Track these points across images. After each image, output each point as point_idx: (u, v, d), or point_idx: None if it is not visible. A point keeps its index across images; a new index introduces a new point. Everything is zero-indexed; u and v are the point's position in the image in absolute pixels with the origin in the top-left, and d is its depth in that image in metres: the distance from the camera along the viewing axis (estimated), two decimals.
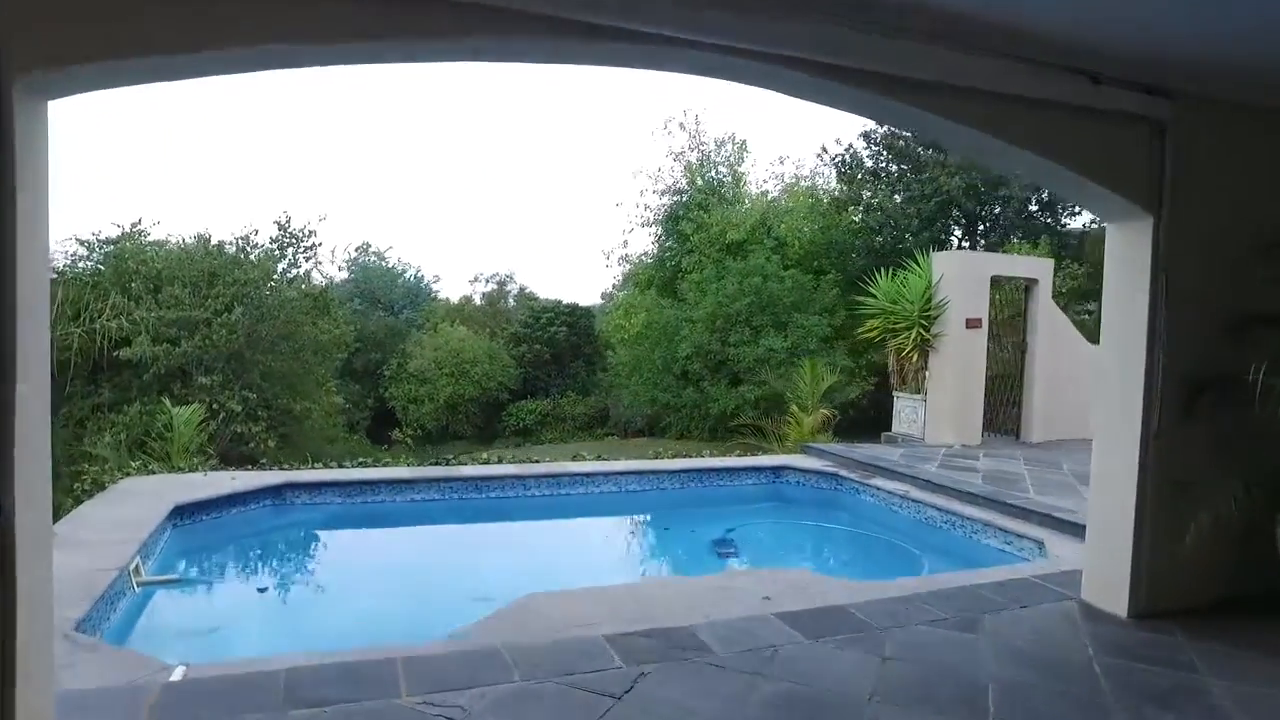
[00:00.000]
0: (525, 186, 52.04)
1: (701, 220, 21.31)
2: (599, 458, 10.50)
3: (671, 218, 22.69)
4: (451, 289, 43.67)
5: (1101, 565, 4.73)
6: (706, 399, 18.46)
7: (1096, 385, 5.14)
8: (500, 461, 10.12)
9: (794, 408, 12.33)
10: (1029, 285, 11.56)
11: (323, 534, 7.99)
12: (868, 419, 15.35)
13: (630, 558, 8.24)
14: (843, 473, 9.27)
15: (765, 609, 4.64)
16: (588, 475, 9.09)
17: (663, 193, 23.27)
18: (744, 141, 23.35)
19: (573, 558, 7.92)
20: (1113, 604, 4.61)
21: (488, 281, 31.91)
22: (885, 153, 21.33)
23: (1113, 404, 4.68)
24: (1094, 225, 17.97)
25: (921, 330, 11.30)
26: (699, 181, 22.83)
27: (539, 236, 52.78)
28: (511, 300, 31.62)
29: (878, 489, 8.63)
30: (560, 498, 8.73)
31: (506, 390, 24.56)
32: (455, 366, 23.82)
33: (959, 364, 11.11)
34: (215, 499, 7.21)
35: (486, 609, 4.66)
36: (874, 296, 12.28)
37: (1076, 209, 18.97)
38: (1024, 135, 4.17)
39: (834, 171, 22.58)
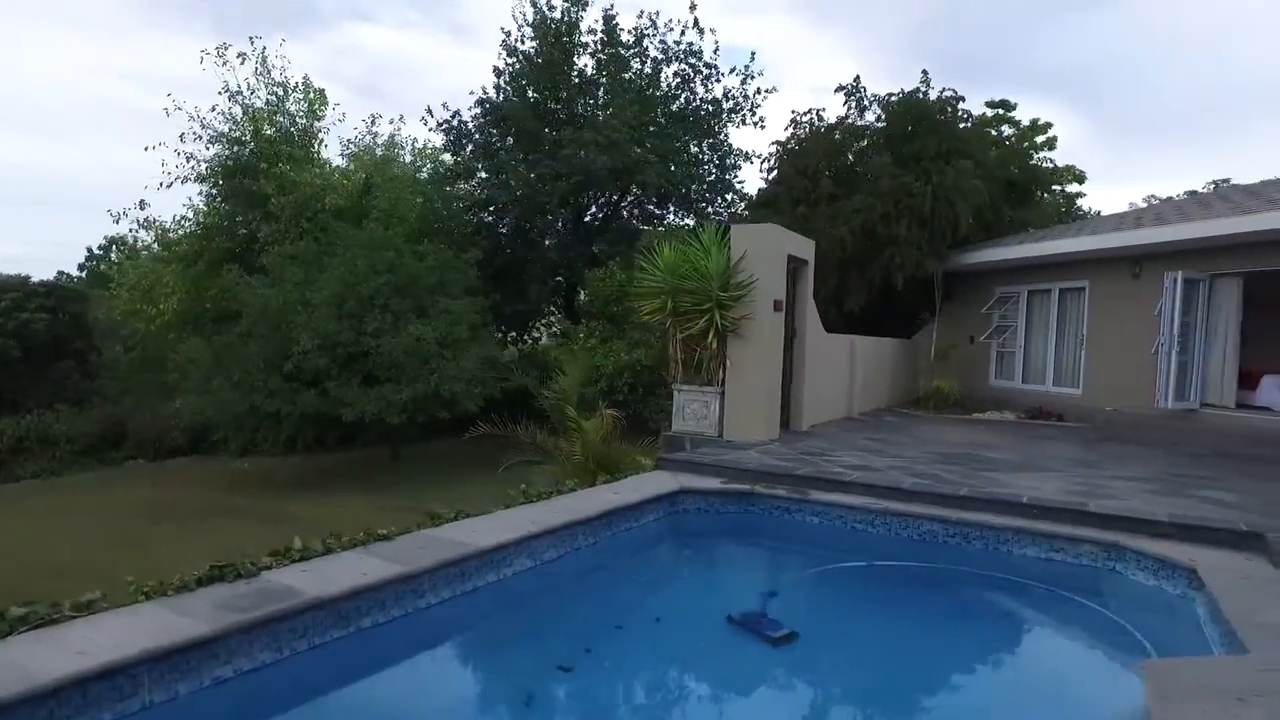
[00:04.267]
0: None
1: (285, 180, 16.41)
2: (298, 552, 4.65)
3: (231, 172, 17.06)
4: None
5: None
6: (333, 404, 14.19)
7: None
8: None
9: (569, 409, 9.70)
10: (798, 266, 10.98)
11: None
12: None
13: None
14: (759, 489, 7.30)
15: None
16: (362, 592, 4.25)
17: (213, 140, 17.38)
18: (321, 91, 18.83)
19: None
20: None
21: None
22: (500, 126, 19.17)
23: None
24: (746, 212, 18.67)
25: (721, 312, 9.83)
26: (267, 131, 17.63)
27: None
28: None
29: (828, 506, 6.93)
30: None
31: None
32: None
33: (765, 350, 9.96)
34: None
35: None
36: (654, 270, 10.39)
37: (727, 195, 19.58)
38: None
39: (443, 139, 19.61)
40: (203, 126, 17.54)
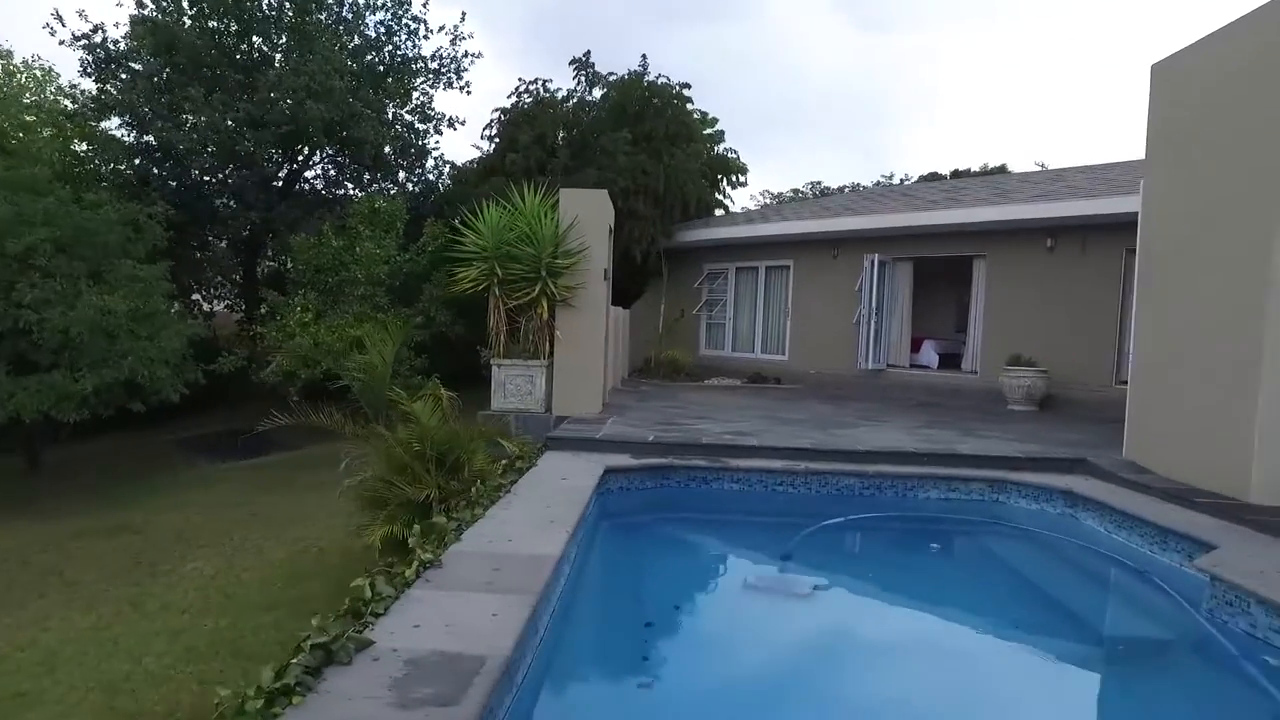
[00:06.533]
0: None
1: None
2: None
3: None
4: None
5: None
6: None
7: None
8: None
9: (398, 391, 8.41)
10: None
11: None
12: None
13: None
14: (676, 461, 7.17)
15: None
16: None
17: None
18: None
19: None
20: None
21: None
22: (166, 54, 15.54)
23: None
24: (449, 181, 17.45)
25: (551, 282, 9.34)
26: None
27: None
28: None
29: (742, 471, 7.09)
30: None
31: None
32: None
33: (596, 321, 9.70)
34: None
35: None
36: (472, 234, 9.42)
37: (425, 160, 18.01)
38: None
39: (81, 58, 15.31)
40: None
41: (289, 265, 15.64)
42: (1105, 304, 11.78)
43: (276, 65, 16.06)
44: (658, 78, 16.71)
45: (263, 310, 14.68)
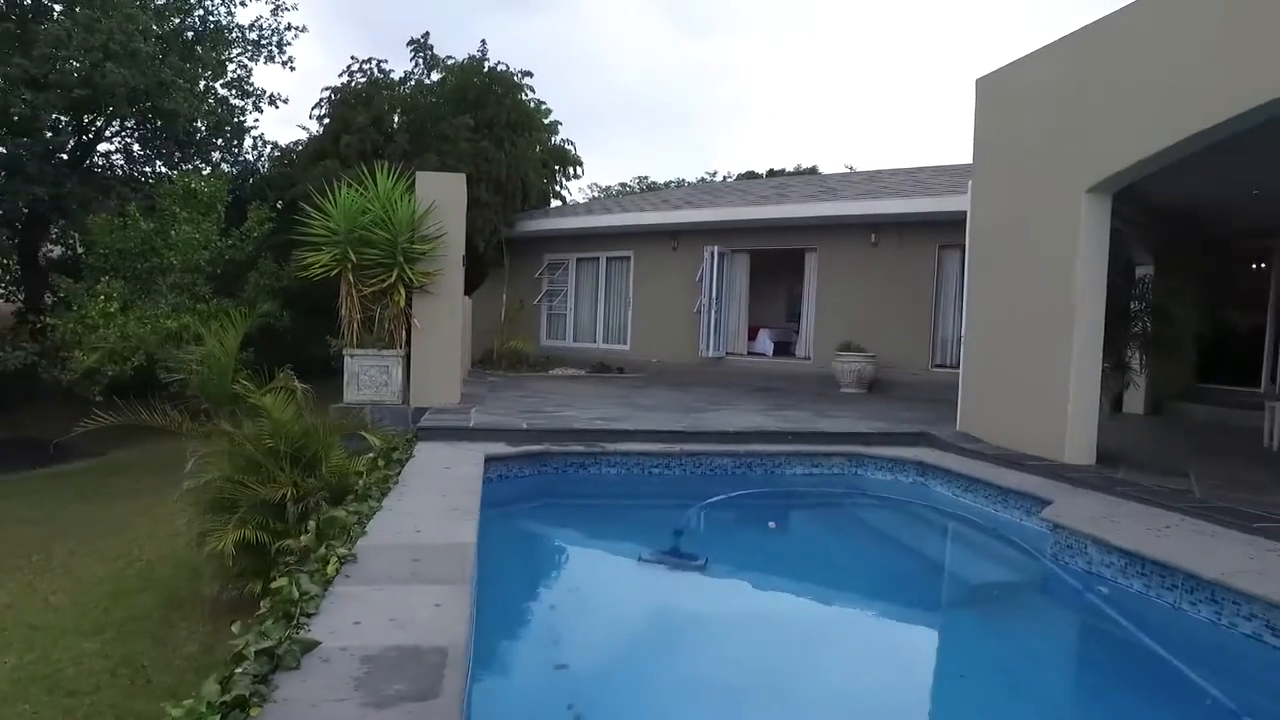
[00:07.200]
0: None
1: None
2: None
3: None
4: None
5: None
6: None
7: None
8: None
9: (246, 384, 7.74)
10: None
11: None
12: None
13: None
14: (553, 448, 7.15)
15: None
16: None
17: None
18: None
19: None
20: None
21: None
22: None
23: None
24: (267, 165, 16.08)
25: (410, 267, 8.97)
26: None
27: None
28: None
29: (620, 455, 7.20)
30: None
31: None
32: None
33: (454, 308, 9.42)
34: None
35: None
36: (321, 218, 8.82)
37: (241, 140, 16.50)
38: None
39: None
40: None
41: (83, 249, 13.86)
42: (922, 295, 13.00)
43: (55, 17, 14.13)
44: (497, 64, 16.42)
45: (50, 299, 12.96)
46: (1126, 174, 6.46)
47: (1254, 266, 12.52)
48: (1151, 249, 10.36)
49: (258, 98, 17.70)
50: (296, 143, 17.12)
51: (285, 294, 13.85)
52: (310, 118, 16.28)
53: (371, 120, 14.83)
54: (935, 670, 4.42)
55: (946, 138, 57.27)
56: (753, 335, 16.33)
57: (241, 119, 17.77)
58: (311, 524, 4.62)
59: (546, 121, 19.58)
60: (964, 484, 6.57)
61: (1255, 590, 3.80)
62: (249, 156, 18.20)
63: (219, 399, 8.16)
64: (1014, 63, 7.65)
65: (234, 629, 3.21)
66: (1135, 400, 10.42)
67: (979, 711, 3.70)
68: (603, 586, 5.44)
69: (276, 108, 18.20)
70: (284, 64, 17.92)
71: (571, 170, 19.57)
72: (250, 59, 17.52)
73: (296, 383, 8.00)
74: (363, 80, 15.75)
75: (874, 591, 5.43)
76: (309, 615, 3.20)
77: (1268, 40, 5.25)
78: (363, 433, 7.76)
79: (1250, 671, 3.73)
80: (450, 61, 16.50)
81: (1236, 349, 11.76)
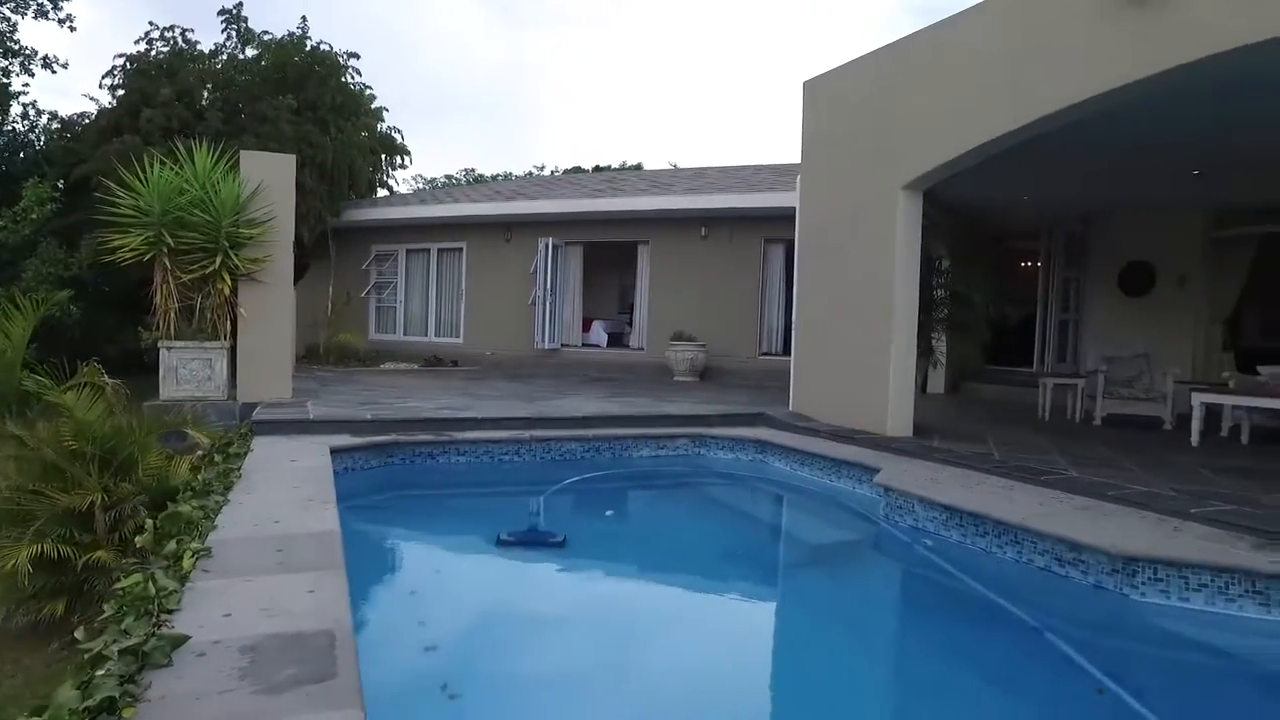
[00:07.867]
0: None
1: None
2: None
3: None
4: None
5: None
6: None
7: None
8: None
9: (40, 379, 6.89)
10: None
11: None
12: None
13: None
14: (400, 438, 6.96)
15: None
16: None
17: None
18: None
19: None
20: None
21: None
22: None
23: None
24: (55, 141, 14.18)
25: (235, 253, 8.37)
26: None
27: None
28: None
29: (469, 443, 7.15)
30: None
31: None
32: None
33: (285, 298, 8.88)
34: None
35: None
36: (131, 197, 8.00)
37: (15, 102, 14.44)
38: None
39: None
40: None
41: None
42: (749, 287, 13.73)
43: None
44: (320, 44, 15.54)
45: None
46: (933, 174, 7.21)
47: (1025, 264, 14.28)
48: (947, 244, 11.55)
49: (28, 58, 15.66)
50: (82, 114, 15.35)
51: (75, 283, 12.43)
52: (101, 87, 14.64)
53: (177, 94, 13.58)
54: (787, 624, 4.78)
55: (757, 138, 60.32)
56: (587, 327, 16.54)
57: (6, 81, 15.65)
58: (148, 523, 4.27)
59: (373, 107, 18.78)
60: (801, 458, 7.08)
61: (1045, 529, 4.46)
62: (18, 126, 16.08)
63: (5, 397, 7.29)
64: (838, 67, 8.29)
65: (78, 634, 2.95)
66: (937, 380, 11.62)
67: (829, 655, 4.06)
68: (464, 569, 5.39)
69: (54, 72, 16.17)
70: (61, 22, 15.94)
71: (399, 159, 18.87)
72: (15, 10, 15.42)
73: (106, 378, 7.31)
74: (165, 50, 14.38)
75: (726, 557, 5.75)
76: (170, 611, 2.99)
77: (1038, 68, 6.13)
78: (187, 430, 7.18)
79: (1044, 596, 4.36)
80: (267, 37, 15.43)
81: (1015, 335, 13.38)
